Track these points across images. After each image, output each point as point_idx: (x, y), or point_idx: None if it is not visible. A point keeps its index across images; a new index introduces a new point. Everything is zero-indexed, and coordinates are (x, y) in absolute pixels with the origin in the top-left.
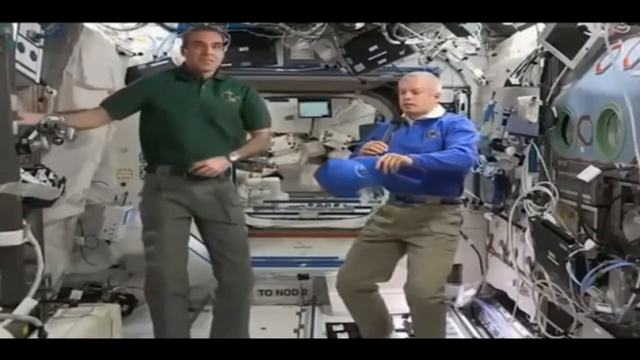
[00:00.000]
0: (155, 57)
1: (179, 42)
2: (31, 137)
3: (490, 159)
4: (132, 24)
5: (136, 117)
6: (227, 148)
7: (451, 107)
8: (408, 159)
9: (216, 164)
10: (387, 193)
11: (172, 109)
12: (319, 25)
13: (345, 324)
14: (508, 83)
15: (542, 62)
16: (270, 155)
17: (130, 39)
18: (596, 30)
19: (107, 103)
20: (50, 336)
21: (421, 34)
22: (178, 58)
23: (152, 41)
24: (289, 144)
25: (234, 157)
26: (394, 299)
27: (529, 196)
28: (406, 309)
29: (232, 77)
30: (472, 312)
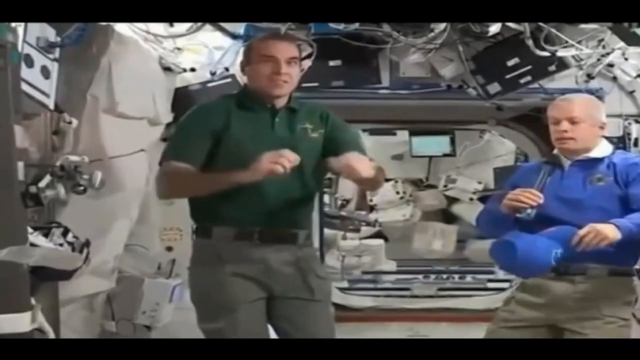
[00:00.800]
0: (213, 74)
1: None
2: (43, 183)
3: None
4: (182, 27)
5: None
6: (309, 200)
7: (620, 142)
8: (617, 234)
9: (361, 163)
10: None
11: (238, 150)
12: (438, 29)
13: None
14: None
15: None
16: (372, 209)
17: (179, 48)
18: None
19: (185, 153)
20: None
21: (579, 42)
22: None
23: (208, 52)
24: (397, 193)
25: (373, 162)
26: None
27: None
28: None
29: (307, 103)
30: None
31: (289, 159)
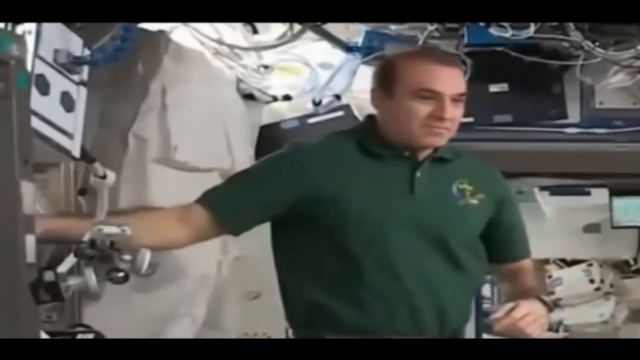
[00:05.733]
0: (317, 103)
1: (364, 74)
2: (64, 268)
3: None
4: (270, 34)
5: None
6: (464, 294)
7: None
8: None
9: (535, 322)
10: None
11: (357, 221)
12: None
13: None
14: None
15: None
16: (553, 304)
17: (266, 66)
18: None
19: (217, 203)
20: None
21: None
22: (363, 107)
23: (310, 72)
24: (592, 282)
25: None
26: None
27: None
28: None
29: (464, 153)
30: None
31: None
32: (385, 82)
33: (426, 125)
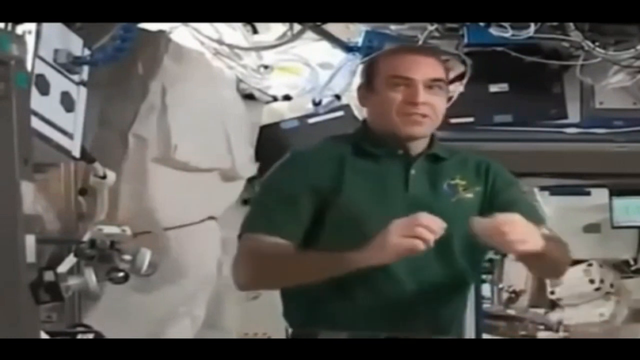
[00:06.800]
0: (317, 103)
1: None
2: (64, 268)
3: None
4: (270, 34)
5: None
6: (460, 292)
7: None
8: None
9: (518, 229)
10: None
11: (353, 221)
12: None
13: None
14: None
15: None
16: (554, 305)
17: (266, 67)
18: None
19: (276, 224)
20: None
21: None
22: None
23: (310, 72)
24: (592, 282)
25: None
26: None
27: None
28: None
29: (456, 149)
30: None
31: (430, 227)
32: (368, 79)
33: (402, 112)
